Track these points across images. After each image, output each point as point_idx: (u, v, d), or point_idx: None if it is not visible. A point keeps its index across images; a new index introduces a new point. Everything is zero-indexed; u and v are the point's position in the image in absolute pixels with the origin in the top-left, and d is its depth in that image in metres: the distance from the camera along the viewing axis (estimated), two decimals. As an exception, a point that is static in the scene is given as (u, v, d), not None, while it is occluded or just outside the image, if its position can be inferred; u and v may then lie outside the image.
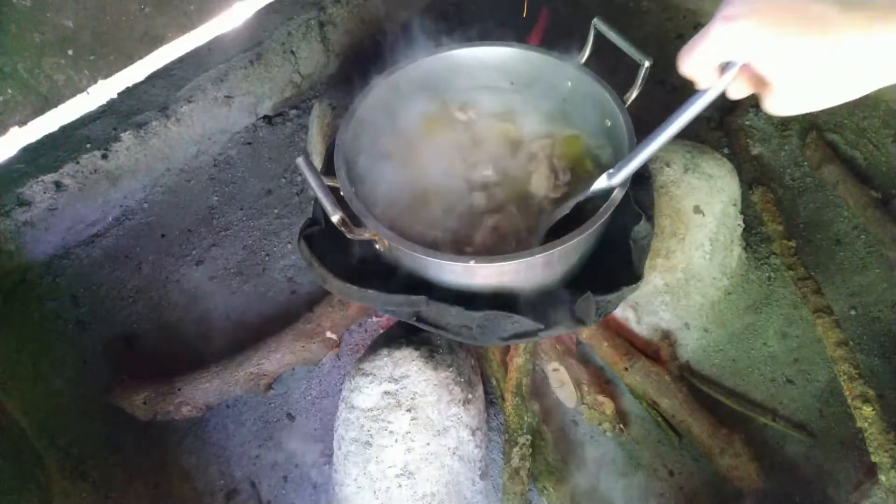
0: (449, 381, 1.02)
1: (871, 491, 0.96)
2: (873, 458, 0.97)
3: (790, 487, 1.05)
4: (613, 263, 0.93)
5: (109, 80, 1.24)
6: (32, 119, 1.16)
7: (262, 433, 1.17)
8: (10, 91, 1.09)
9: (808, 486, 1.05)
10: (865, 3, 0.47)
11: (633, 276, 0.90)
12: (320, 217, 0.95)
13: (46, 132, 1.28)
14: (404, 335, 1.06)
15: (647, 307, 1.19)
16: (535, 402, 1.11)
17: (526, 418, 1.06)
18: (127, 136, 1.34)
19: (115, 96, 1.35)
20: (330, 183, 0.84)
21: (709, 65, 0.56)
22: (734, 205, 1.22)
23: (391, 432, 0.97)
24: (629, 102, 0.94)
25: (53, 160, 1.28)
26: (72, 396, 1.19)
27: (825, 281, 1.22)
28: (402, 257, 0.88)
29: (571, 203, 0.88)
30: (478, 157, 1.03)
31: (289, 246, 1.39)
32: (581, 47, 1.00)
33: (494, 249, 0.92)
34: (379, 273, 0.93)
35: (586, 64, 1.01)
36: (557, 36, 1.11)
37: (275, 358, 1.16)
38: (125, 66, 1.25)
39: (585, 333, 1.20)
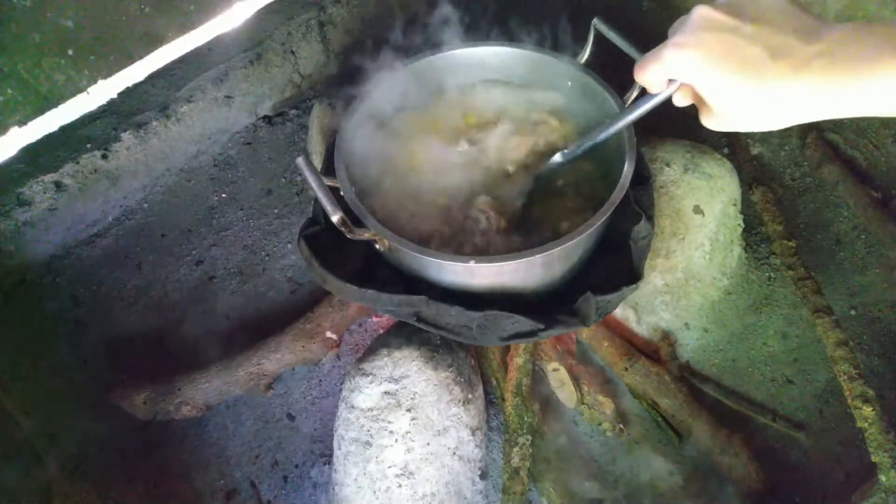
0: (449, 381, 1.02)
1: (871, 491, 0.96)
2: (873, 458, 0.97)
3: (790, 487, 1.05)
4: (613, 263, 0.93)
5: (109, 80, 1.24)
6: (32, 119, 1.16)
7: (262, 433, 1.17)
8: (10, 91, 1.09)
9: (808, 486, 1.05)
10: (790, 52, 0.54)
11: (633, 276, 0.90)
12: (320, 217, 0.95)
13: (46, 132, 1.28)
14: (404, 335, 1.06)
15: (647, 307, 1.19)
16: (535, 402, 1.11)
17: (526, 418, 1.06)
18: (127, 136, 1.34)
19: (115, 96, 1.35)
20: (330, 183, 0.84)
21: (659, 80, 0.65)
22: (734, 205, 1.22)
23: (391, 432, 0.97)
24: (629, 102, 0.94)
25: (53, 160, 1.28)
26: (72, 396, 1.19)
27: (825, 281, 1.22)
28: (402, 257, 0.88)
29: (531, 179, 0.97)
30: (478, 156, 1.03)
31: (289, 246, 1.39)
32: (581, 47, 1.00)
33: (494, 248, 0.92)
34: (379, 273, 0.94)
35: (586, 64, 1.01)
36: (557, 36, 1.11)
37: (275, 358, 1.16)
38: (125, 66, 1.25)
39: (585, 333, 1.20)
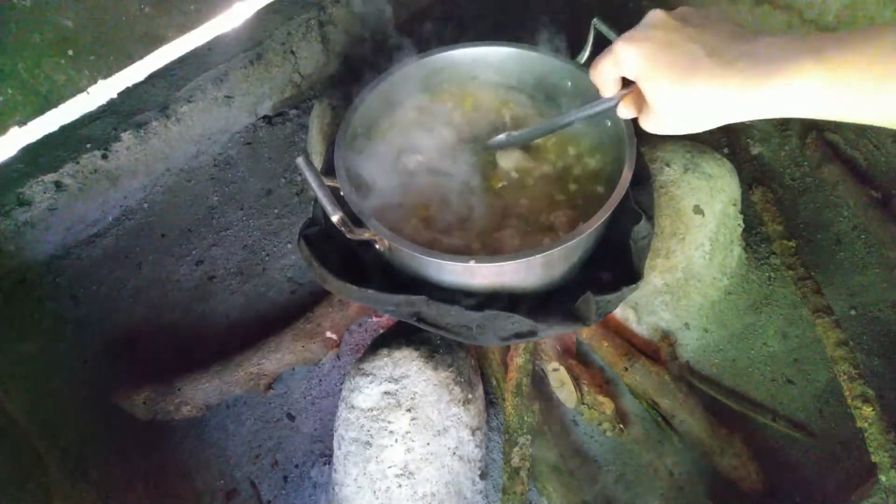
0: (449, 381, 1.02)
1: (871, 491, 0.96)
2: (873, 458, 0.97)
3: (790, 487, 1.05)
4: (613, 263, 0.93)
5: (109, 80, 1.23)
6: (32, 119, 1.16)
7: (262, 433, 1.17)
8: (10, 91, 1.09)
9: (808, 486, 1.05)
10: (722, 51, 0.58)
11: (633, 276, 0.90)
12: (320, 217, 0.95)
13: (46, 132, 1.27)
14: (404, 335, 1.06)
15: (647, 307, 1.19)
16: (535, 402, 1.11)
17: (526, 418, 1.06)
18: (127, 136, 1.34)
19: (115, 96, 1.35)
20: (330, 183, 0.84)
21: (610, 77, 0.69)
22: (734, 205, 1.22)
23: (391, 432, 0.97)
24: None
25: (53, 160, 1.28)
26: (72, 396, 1.19)
27: (825, 281, 1.22)
28: (402, 257, 0.88)
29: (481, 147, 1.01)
30: (478, 156, 1.03)
31: (289, 246, 1.39)
32: (581, 47, 1.00)
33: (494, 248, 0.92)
34: (379, 273, 0.94)
35: (586, 64, 1.01)
36: (557, 36, 1.11)
37: (275, 358, 1.16)
38: (125, 66, 1.25)
39: (585, 333, 1.20)
